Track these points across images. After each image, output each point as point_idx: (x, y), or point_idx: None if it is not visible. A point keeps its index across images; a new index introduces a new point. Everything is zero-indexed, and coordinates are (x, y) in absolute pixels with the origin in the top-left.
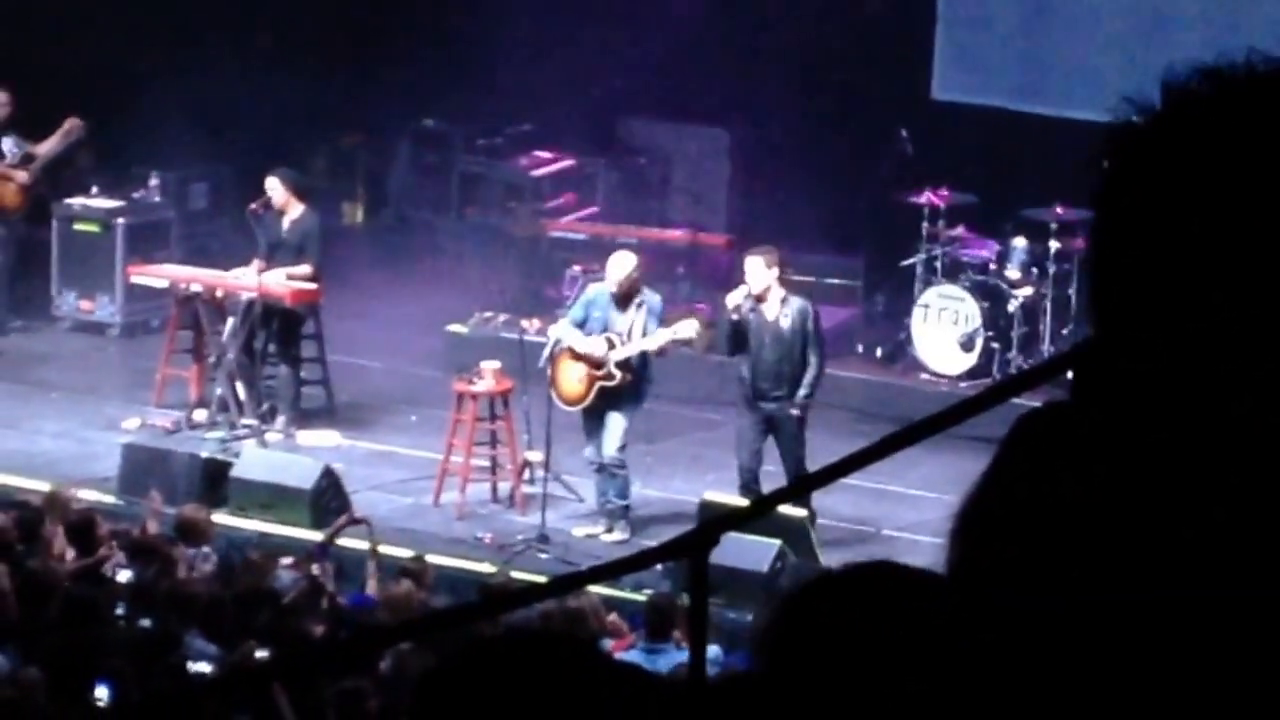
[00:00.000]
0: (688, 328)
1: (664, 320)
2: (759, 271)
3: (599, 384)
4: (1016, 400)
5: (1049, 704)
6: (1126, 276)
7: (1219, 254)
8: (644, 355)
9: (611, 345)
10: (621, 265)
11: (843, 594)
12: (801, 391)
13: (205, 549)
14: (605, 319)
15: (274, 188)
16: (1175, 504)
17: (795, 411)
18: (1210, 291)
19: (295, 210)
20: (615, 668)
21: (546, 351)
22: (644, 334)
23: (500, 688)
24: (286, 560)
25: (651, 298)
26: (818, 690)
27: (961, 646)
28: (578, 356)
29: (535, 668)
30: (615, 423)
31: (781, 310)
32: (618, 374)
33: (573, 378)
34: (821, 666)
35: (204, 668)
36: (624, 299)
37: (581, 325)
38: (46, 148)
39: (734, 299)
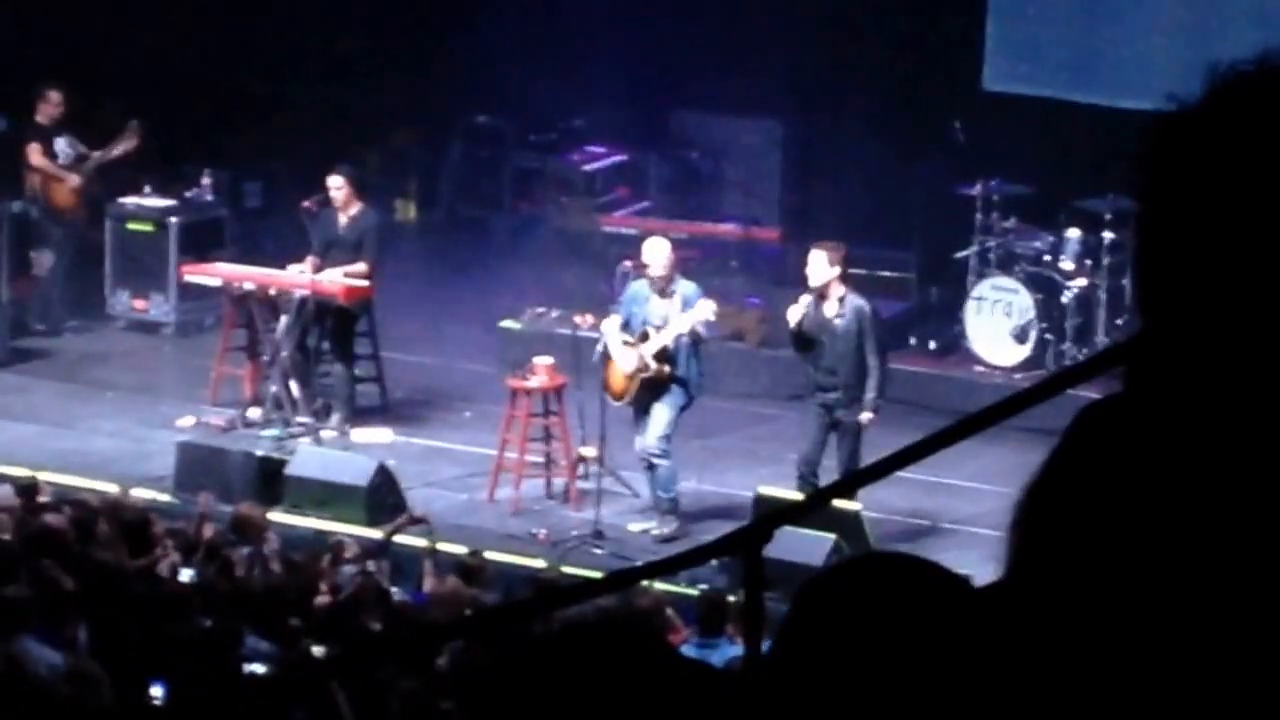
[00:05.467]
0: (705, 309)
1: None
2: (821, 266)
3: (640, 376)
4: (1072, 392)
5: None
6: (1174, 268)
7: (1268, 242)
8: (695, 348)
9: (647, 338)
10: (660, 251)
11: (848, 585)
12: (868, 395)
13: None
14: (645, 314)
15: (337, 185)
16: (1234, 497)
17: (866, 416)
18: (1262, 281)
19: (354, 208)
20: (684, 662)
21: (600, 346)
22: None
23: (570, 679)
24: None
25: (686, 287)
26: (819, 679)
27: (966, 641)
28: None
29: (604, 660)
30: (659, 413)
31: (839, 310)
32: (654, 365)
33: (619, 373)
34: (824, 655)
35: (259, 667)
36: (663, 288)
37: (626, 325)
38: (102, 151)
39: (795, 314)
